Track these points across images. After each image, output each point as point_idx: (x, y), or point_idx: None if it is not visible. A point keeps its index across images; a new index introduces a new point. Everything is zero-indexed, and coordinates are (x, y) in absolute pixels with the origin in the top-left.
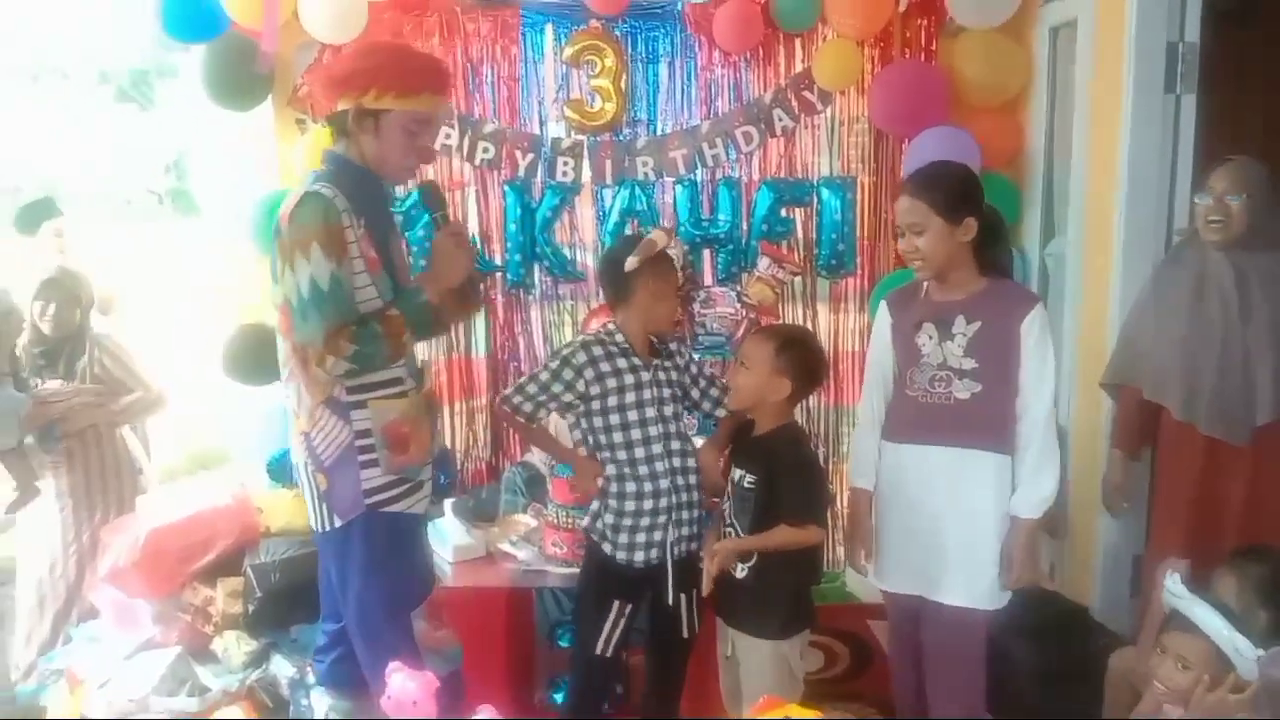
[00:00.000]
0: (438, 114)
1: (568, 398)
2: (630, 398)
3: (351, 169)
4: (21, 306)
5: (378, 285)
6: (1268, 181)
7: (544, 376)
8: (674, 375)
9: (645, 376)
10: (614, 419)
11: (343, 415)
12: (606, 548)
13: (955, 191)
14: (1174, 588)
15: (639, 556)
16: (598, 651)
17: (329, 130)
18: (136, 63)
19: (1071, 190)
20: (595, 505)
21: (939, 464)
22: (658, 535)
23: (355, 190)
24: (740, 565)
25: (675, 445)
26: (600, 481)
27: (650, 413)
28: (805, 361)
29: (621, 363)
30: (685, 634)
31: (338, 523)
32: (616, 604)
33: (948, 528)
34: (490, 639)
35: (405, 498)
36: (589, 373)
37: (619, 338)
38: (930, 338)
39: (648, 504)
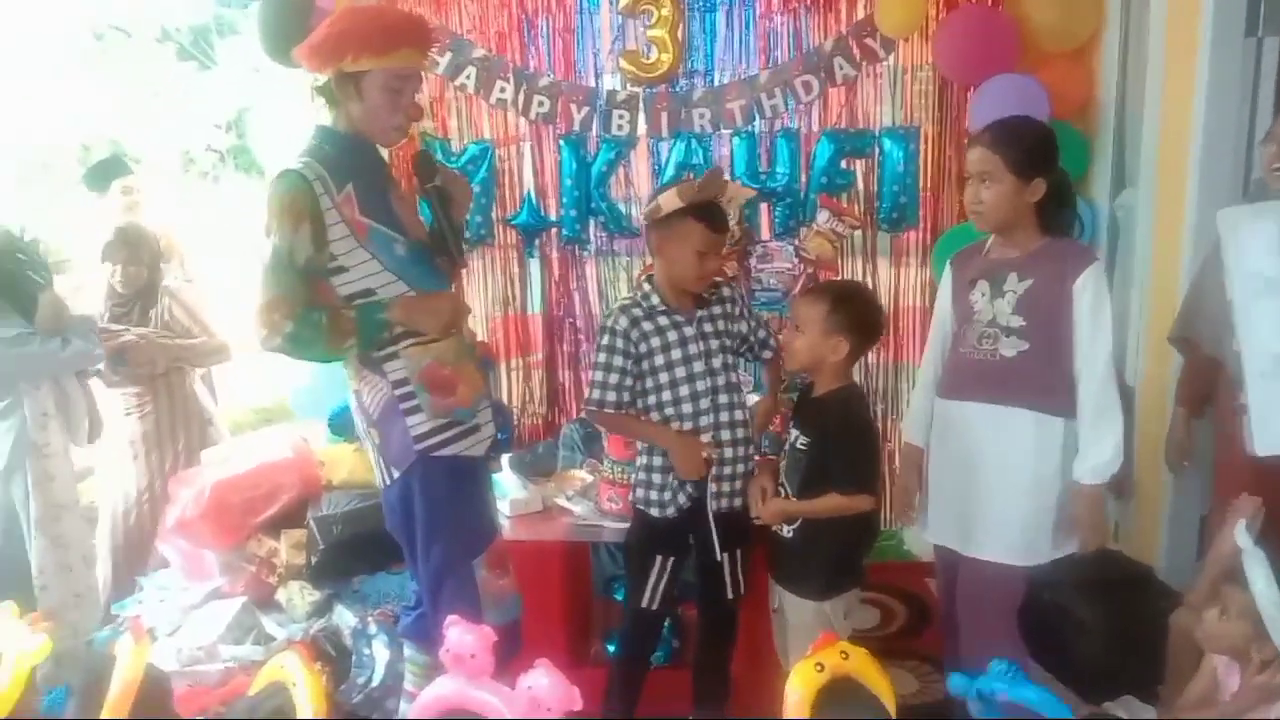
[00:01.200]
0: (419, 70)
1: (630, 364)
2: (676, 354)
3: (337, 138)
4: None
5: (368, 248)
6: None
7: (603, 358)
8: (722, 325)
9: (689, 331)
10: (663, 378)
11: (378, 369)
12: (642, 504)
13: (1032, 150)
14: (1239, 536)
15: (671, 511)
16: (644, 605)
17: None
18: (197, 20)
19: (1144, 140)
20: (638, 462)
21: (983, 421)
22: (690, 486)
23: (342, 158)
24: (786, 525)
25: (723, 399)
26: (709, 454)
27: (698, 367)
28: (860, 318)
29: (662, 320)
30: (730, 594)
31: (396, 474)
32: (659, 559)
33: (988, 484)
34: (547, 592)
35: (459, 440)
36: (635, 333)
37: (654, 299)
38: (983, 294)
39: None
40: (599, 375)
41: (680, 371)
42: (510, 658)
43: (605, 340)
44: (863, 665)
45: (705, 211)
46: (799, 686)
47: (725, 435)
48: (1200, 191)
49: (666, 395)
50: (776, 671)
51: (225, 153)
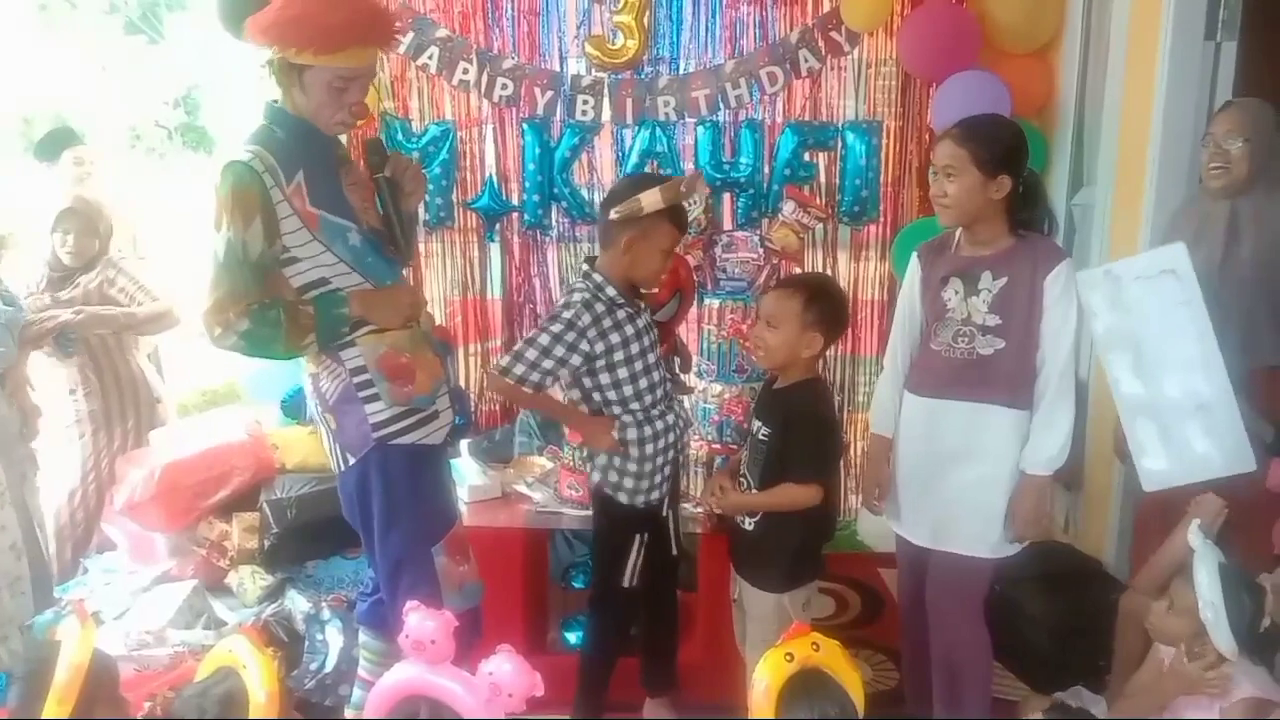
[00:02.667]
0: (368, 69)
1: (575, 360)
2: (635, 349)
3: (287, 121)
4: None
5: (320, 239)
6: (1273, 124)
7: (544, 340)
8: (650, 313)
9: (641, 323)
10: (622, 373)
11: (335, 356)
12: (623, 497)
13: (997, 148)
14: (1192, 535)
15: (655, 496)
16: (625, 585)
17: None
18: None
19: (1103, 139)
20: (604, 459)
21: (959, 418)
22: (667, 470)
23: (292, 143)
24: (747, 517)
25: (668, 386)
26: (616, 435)
27: (651, 358)
28: (834, 312)
29: (620, 315)
30: (674, 551)
31: (351, 460)
32: (636, 537)
33: (962, 480)
34: (505, 579)
35: (417, 429)
36: (592, 332)
37: (609, 291)
38: (956, 293)
39: (661, 445)
40: (533, 354)
41: (639, 364)
42: (471, 645)
43: (557, 328)
44: (833, 658)
45: (676, 212)
46: (766, 675)
47: (680, 417)
48: (1157, 191)
49: (628, 390)
50: (737, 661)
51: (173, 130)
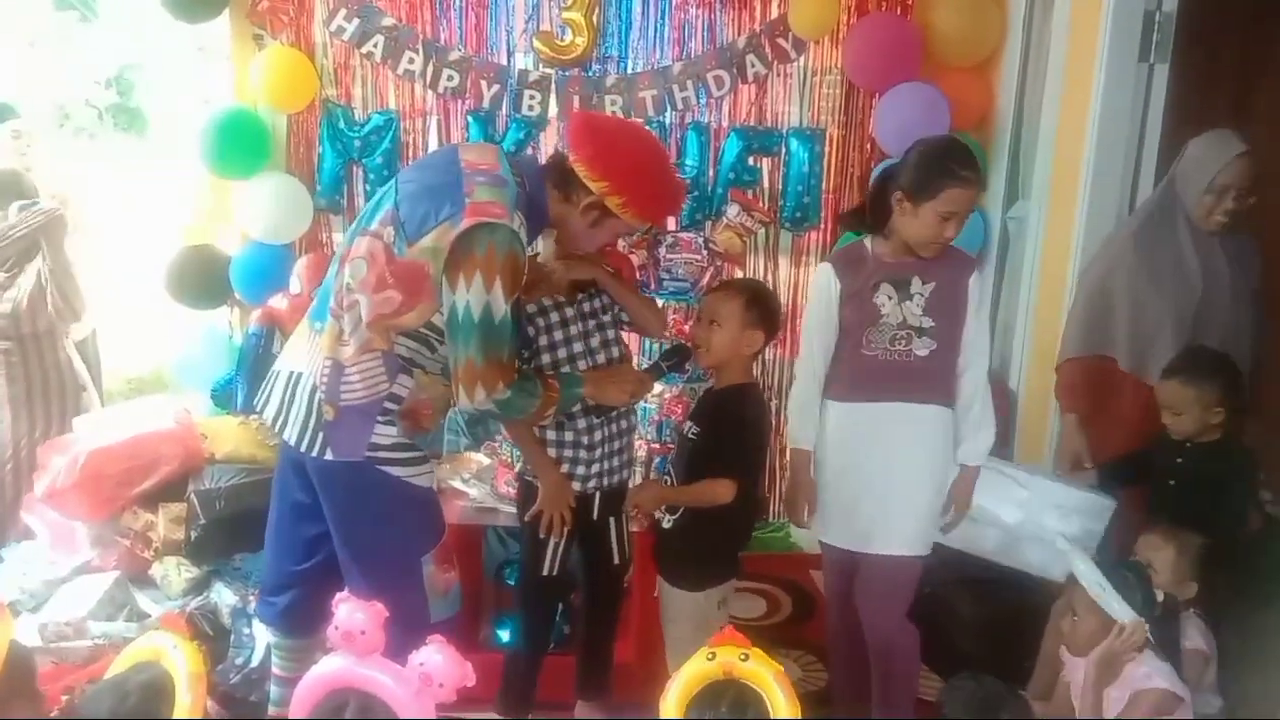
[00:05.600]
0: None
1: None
2: (558, 335)
3: (539, 214)
4: None
5: None
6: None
7: None
8: (603, 301)
9: (569, 313)
10: (545, 359)
11: (389, 373)
12: (531, 475)
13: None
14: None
15: (575, 487)
16: (544, 573)
17: (559, 177)
18: None
19: (1038, 154)
20: (549, 437)
21: (895, 419)
22: (595, 468)
23: (529, 227)
24: (668, 515)
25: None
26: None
27: (578, 348)
28: (773, 313)
29: (545, 301)
30: (616, 560)
31: (329, 456)
32: None
33: (895, 481)
34: None
35: (410, 465)
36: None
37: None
38: (890, 298)
39: (584, 438)
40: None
41: (561, 353)
42: None
43: None
44: (760, 675)
45: None
46: (684, 672)
47: (612, 412)
48: (1090, 206)
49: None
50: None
51: (104, 110)
